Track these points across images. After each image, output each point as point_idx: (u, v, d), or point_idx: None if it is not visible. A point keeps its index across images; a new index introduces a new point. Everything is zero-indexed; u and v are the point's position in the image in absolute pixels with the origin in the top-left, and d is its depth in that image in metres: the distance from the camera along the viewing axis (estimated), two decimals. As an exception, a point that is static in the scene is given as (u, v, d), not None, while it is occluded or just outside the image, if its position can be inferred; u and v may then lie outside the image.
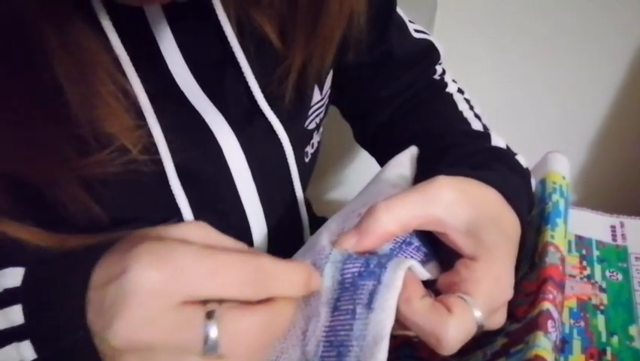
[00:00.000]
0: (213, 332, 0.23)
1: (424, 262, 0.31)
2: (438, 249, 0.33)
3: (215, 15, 0.37)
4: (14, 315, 0.26)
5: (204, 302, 0.24)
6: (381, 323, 0.26)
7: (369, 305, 0.27)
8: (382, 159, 0.41)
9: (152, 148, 0.34)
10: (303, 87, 0.42)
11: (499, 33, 0.93)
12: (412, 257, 0.31)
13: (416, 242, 0.32)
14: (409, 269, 0.28)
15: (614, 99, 0.98)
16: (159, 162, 0.35)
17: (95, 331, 0.24)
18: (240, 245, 0.27)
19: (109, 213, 0.34)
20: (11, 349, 0.26)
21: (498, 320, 0.32)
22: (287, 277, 0.26)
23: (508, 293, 0.31)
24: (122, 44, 0.33)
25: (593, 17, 0.89)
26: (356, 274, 0.28)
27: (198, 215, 0.37)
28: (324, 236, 0.31)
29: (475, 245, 0.30)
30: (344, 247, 0.30)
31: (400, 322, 0.28)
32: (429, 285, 0.31)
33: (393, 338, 0.36)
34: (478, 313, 0.29)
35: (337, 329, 0.27)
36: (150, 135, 0.34)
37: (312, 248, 0.31)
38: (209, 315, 0.23)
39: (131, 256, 0.23)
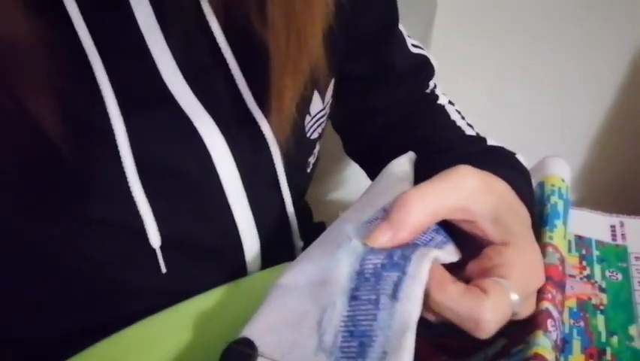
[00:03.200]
0: None
1: (444, 243, 0.31)
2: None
3: (201, 11, 0.36)
4: None
5: None
6: (408, 312, 0.26)
7: (394, 295, 0.26)
8: (373, 171, 0.40)
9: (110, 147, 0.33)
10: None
11: (499, 33, 0.93)
12: (432, 239, 0.31)
13: (434, 225, 0.32)
14: (434, 260, 0.28)
15: (613, 99, 0.98)
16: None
17: None
18: None
19: (79, 208, 0.33)
20: None
21: (529, 307, 0.31)
22: None
23: (541, 278, 0.31)
24: (93, 42, 0.32)
25: (593, 18, 0.89)
26: (379, 265, 0.28)
27: (177, 218, 0.36)
28: (345, 227, 0.31)
29: (504, 232, 0.30)
30: (379, 245, 0.29)
31: (431, 311, 0.28)
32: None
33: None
34: (515, 296, 0.28)
35: (358, 319, 0.27)
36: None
37: (332, 240, 0.31)
38: None
39: None
